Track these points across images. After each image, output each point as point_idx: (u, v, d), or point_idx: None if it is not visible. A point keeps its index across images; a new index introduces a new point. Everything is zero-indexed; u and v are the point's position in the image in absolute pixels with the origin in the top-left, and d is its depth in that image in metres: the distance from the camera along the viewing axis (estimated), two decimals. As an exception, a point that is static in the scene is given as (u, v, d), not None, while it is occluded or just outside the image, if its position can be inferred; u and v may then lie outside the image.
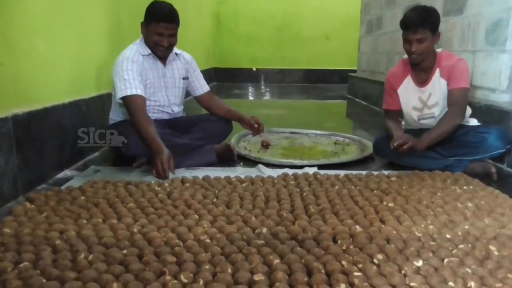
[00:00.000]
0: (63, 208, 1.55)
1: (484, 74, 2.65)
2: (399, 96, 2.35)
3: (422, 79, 2.27)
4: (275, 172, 2.14)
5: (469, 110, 2.30)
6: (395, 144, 2.07)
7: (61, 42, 2.15)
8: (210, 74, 7.64)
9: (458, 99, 2.15)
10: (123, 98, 2.14)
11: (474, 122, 2.31)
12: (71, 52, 2.26)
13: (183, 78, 2.48)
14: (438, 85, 2.22)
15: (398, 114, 2.40)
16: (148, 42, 2.27)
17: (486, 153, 2.13)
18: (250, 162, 2.39)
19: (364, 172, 2.11)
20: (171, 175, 2.01)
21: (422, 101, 2.29)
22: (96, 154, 2.52)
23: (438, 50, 2.25)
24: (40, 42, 1.94)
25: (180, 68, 2.46)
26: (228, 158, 2.42)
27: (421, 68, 2.25)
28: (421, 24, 2.08)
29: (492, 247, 1.29)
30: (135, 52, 2.24)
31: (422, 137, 2.12)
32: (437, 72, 2.21)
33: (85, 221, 1.45)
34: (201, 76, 2.58)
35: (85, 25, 2.42)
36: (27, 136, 1.81)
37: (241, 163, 2.39)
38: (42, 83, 1.98)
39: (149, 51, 2.29)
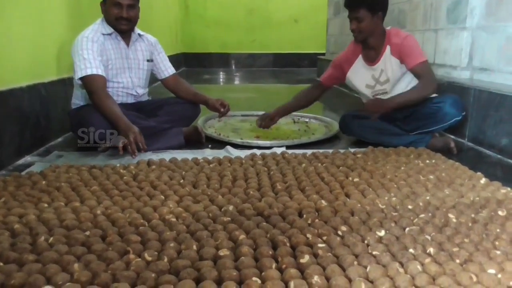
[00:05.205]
0: (22, 193, 1.49)
1: (445, 52, 2.71)
2: (348, 78, 2.44)
3: (372, 58, 2.33)
4: (243, 153, 2.13)
5: None
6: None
7: (16, 23, 2.05)
8: (179, 60, 7.51)
9: (422, 72, 2.21)
10: (83, 78, 2.08)
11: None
12: (28, 34, 2.16)
13: (148, 60, 2.43)
14: (389, 62, 2.28)
15: (324, 90, 2.59)
16: (108, 20, 2.20)
17: (444, 122, 2.19)
18: (219, 144, 2.38)
19: (331, 150, 2.13)
20: (138, 157, 1.97)
21: (374, 78, 2.36)
22: (59, 139, 2.45)
23: (388, 27, 2.31)
24: (-8, 23, 1.85)
25: (144, 49, 2.41)
26: (196, 140, 2.39)
27: (370, 47, 2.31)
28: (356, 4, 2.19)
29: (451, 215, 1.33)
30: (95, 31, 2.18)
31: (391, 99, 2.21)
32: (387, 49, 2.27)
33: (46, 205, 1.41)
34: (166, 58, 2.53)
35: (42, 5, 2.31)
36: (-18, 121, 1.74)
37: (210, 145, 2.37)
38: (-3, 65, 1.89)
39: (111, 30, 2.23)
